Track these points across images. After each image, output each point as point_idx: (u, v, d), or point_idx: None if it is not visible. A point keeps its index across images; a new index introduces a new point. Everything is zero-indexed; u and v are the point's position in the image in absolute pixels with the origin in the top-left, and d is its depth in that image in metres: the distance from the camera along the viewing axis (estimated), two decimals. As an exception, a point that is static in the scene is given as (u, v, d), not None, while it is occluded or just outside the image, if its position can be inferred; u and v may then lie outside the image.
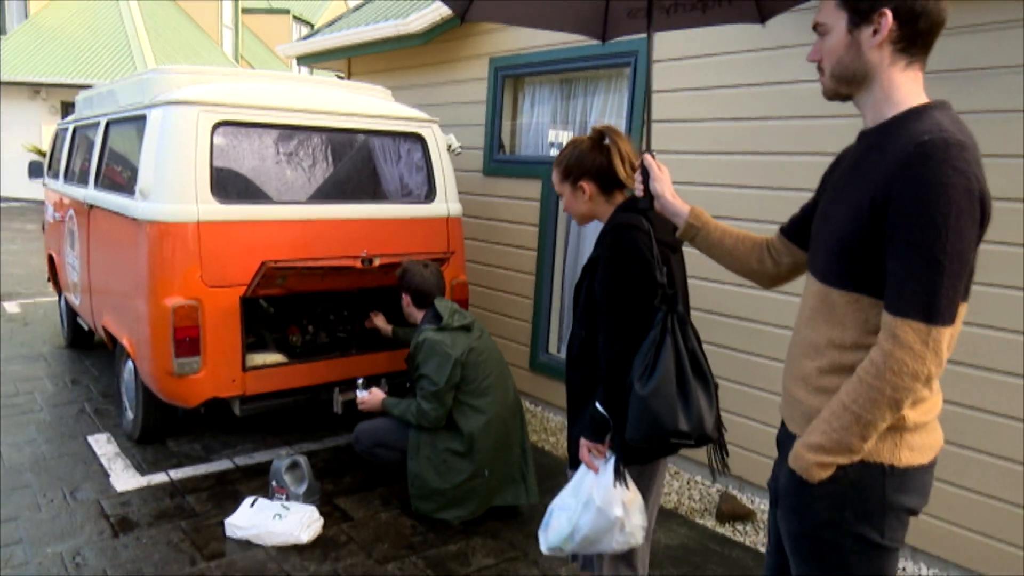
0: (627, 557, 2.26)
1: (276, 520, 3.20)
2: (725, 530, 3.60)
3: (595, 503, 2.04)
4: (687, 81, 4.09)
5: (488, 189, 5.47)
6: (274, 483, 3.46)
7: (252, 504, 3.32)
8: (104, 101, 4.86)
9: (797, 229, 1.79)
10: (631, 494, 2.06)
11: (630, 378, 1.94)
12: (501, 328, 5.33)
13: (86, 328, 5.46)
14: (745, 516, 3.67)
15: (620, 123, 4.61)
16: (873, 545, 1.47)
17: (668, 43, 4.16)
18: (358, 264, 3.69)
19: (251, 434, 4.43)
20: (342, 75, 7.06)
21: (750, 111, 3.82)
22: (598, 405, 2.06)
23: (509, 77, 5.37)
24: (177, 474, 3.85)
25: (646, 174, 1.96)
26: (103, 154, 4.59)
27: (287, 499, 3.41)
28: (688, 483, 4.10)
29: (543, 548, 2.18)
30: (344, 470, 3.99)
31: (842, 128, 3.38)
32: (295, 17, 25.13)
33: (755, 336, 3.79)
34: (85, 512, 3.41)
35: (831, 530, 1.48)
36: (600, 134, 2.20)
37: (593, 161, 2.17)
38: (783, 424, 1.69)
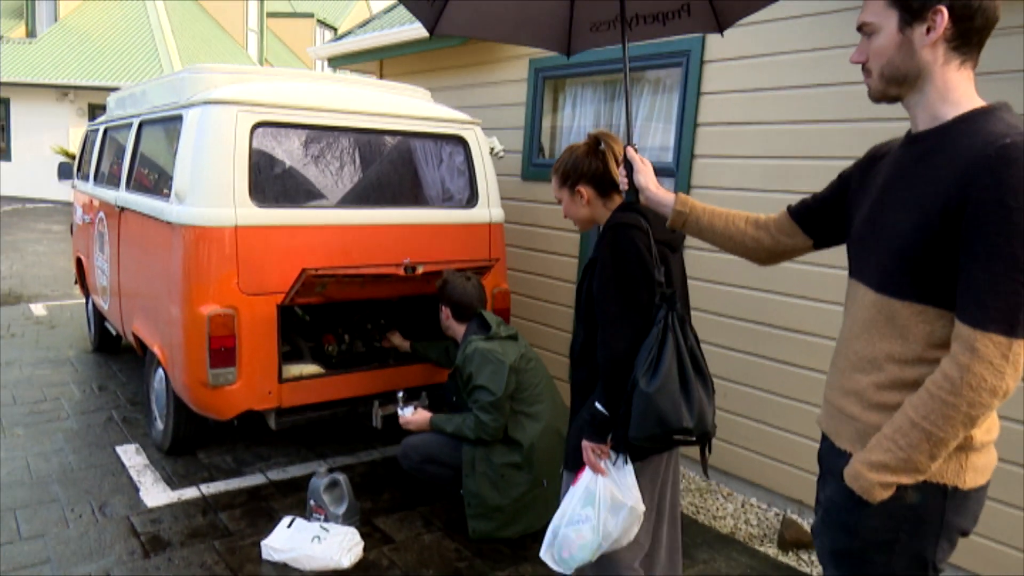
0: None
1: (315, 543, 3.03)
2: (788, 559, 3.38)
3: (626, 504, 2.04)
4: (741, 82, 3.89)
5: (527, 194, 5.29)
6: (312, 502, 3.29)
7: (289, 525, 3.15)
8: (137, 101, 4.74)
9: (808, 216, 1.78)
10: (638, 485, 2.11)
11: (633, 376, 1.96)
12: (541, 339, 5.14)
13: (114, 333, 5.34)
14: (809, 544, 3.45)
15: (669, 127, 4.41)
16: (923, 567, 1.42)
17: (720, 43, 3.96)
18: (400, 272, 3.52)
19: (284, 446, 4.28)
20: (374, 75, 6.92)
21: (807, 113, 3.61)
22: (598, 405, 2.04)
23: (550, 79, 5.19)
24: (209, 489, 3.69)
25: (630, 167, 2.03)
26: (135, 155, 4.47)
27: (326, 520, 3.24)
28: (743, 506, 3.88)
29: (564, 570, 2.13)
30: (382, 487, 3.81)
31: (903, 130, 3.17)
32: (319, 21, 25.16)
33: (817, 352, 3.57)
34: (115, 529, 3.26)
35: (883, 551, 1.43)
36: (595, 140, 2.26)
37: (589, 166, 2.24)
38: (825, 438, 1.61)
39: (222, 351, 3.37)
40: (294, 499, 3.62)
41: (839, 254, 3.61)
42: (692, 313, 3.99)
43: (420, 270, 3.56)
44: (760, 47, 3.80)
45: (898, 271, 1.40)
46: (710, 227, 1.89)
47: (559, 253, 5.07)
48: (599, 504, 2.06)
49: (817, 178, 3.54)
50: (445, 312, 3.58)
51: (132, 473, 3.82)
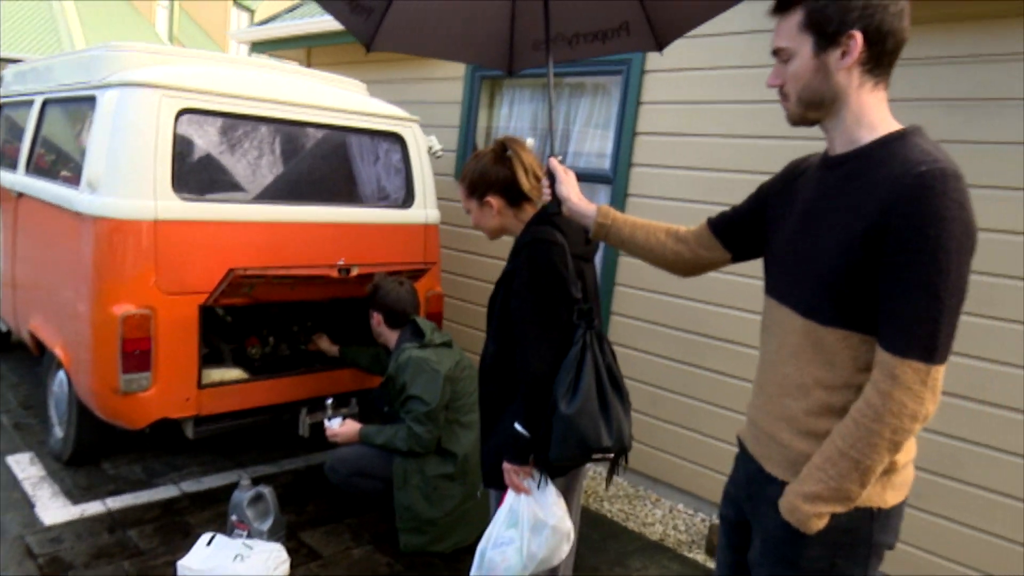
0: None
1: (238, 562, 2.84)
2: (718, 567, 3.43)
3: (548, 523, 2.02)
4: (680, 94, 3.93)
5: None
6: (234, 517, 3.09)
7: (209, 542, 2.94)
8: (40, 77, 4.35)
9: (727, 230, 1.79)
10: (563, 502, 2.09)
11: (553, 397, 1.93)
12: (474, 344, 5.05)
13: (4, 329, 4.90)
14: (737, 552, 3.51)
15: (608, 135, 4.41)
16: None
17: (665, 53, 3.98)
18: (334, 274, 3.36)
19: (199, 455, 4.02)
20: (301, 63, 6.64)
21: (744, 128, 3.68)
22: (518, 426, 2.00)
23: (487, 78, 5.11)
24: (115, 503, 3.42)
25: (552, 178, 1.99)
26: (36, 137, 4.09)
27: (249, 536, 3.04)
28: (671, 512, 3.92)
29: None
30: (307, 498, 3.63)
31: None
32: (235, 2, 24.13)
33: (748, 361, 3.63)
34: (7, 551, 2.96)
35: None
36: (502, 146, 2.18)
37: (497, 175, 2.15)
38: (751, 460, 1.61)
39: (136, 355, 3.12)
40: (212, 513, 3.40)
41: (754, 263, 3.68)
42: (627, 320, 4.02)
43: (355, 272, 3.41)
44: (700, 60, 3.84)
45: (823, 297, 1.41)
46: (631, 239, 1.89)
47: (492, 256, 5.00)
48: (522, 525, 2.03)
49: (752, 191, 3.61)
50: (377, 318, 3.46)
51: (26, 486, 3.49)
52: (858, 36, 1.38)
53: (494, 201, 2.16)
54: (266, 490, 3.11)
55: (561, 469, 2.09)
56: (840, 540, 1.43)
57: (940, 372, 1.30)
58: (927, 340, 1.28)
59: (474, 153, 2.24)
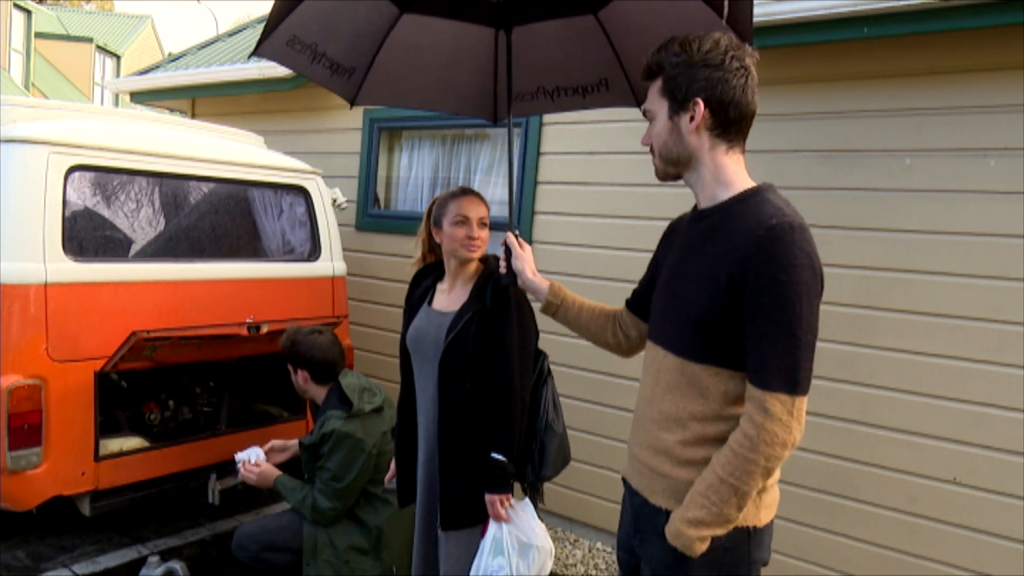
0: None
1: (151, 646, 2.65)
2: (639, 601, 3.52)
3: (533, 544, 2.13)
4: (579, 145, 4.13)
5: (363, 245, 5.16)
6: (142, 598, 2.89)
7: (115, 627, 2.73)
8: None
9: (639, 304, 1.90)
10: (540, 522, 2.23)
11: (542, 419, 2.18)
12: (379, 393, 4.99)
13: None
14: (657, 584, 3.62)
15: (505, 183, 4.54)
16: None
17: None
18: (244, 332, 3.25)
19: (91, 532, 3.71)
20: (183, 113, 6.43)
21: (639, 177, 3.91)
22: (498, 456, 2.13)
23: (385, 129, 5.16)
24: (-1, 594, 3.11)
25: (509, 252, 2.06)
26: None
27: (160, 617, 2.85)
28: (591, 551, 4.00)
29: None
30: (218, 570, 3.44)
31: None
32: (99, 47, 22.97)
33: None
34: None
35: None
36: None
37: None
38: (636, 494, 1.70)
39: (25, 429, 2.89)
40: (112, 595, 3.16)
41: None
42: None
43: (265, 329, 3.32)
44: (595, 114, 4.05)
45: (695, 337, 1.55)
46: (576, 321, 2.00)
47: (397, 306, 4.96)
48: (508, 551, 2.13)
49: (649, 236, 3.83)
50: (302, 375, 3.16)
51: None
52: (701, 103, 1.55)
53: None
54: (177, 565, 2.93)
55: (528, 490, 2.25)
56: (722, 560, 1.54)
57: (803, 402, 1.45)
58: (789, 374, 1.43)
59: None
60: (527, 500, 2.20)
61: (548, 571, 2.19)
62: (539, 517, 2.21)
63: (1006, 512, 2.95)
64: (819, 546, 3.36)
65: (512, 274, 2.06)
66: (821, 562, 3.37)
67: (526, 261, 2.04)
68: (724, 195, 1.58)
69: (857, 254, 3.27)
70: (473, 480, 2.17)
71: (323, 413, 3.02)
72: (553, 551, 2.20)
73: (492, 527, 2.14)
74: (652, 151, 1.68)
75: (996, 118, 2.98)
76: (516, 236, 2.08)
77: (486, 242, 2.33)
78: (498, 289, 2.20)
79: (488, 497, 2.14)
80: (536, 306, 2.16)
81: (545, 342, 4.11)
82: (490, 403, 2.20)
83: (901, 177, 3.17)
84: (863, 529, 3.27)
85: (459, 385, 2.21)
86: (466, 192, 2.35)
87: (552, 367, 4.10)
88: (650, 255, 4.25)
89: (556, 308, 2.00)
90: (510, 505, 2.15)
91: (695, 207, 1.69)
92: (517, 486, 2.27)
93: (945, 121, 3.08)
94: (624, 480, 1.79)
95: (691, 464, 1.55)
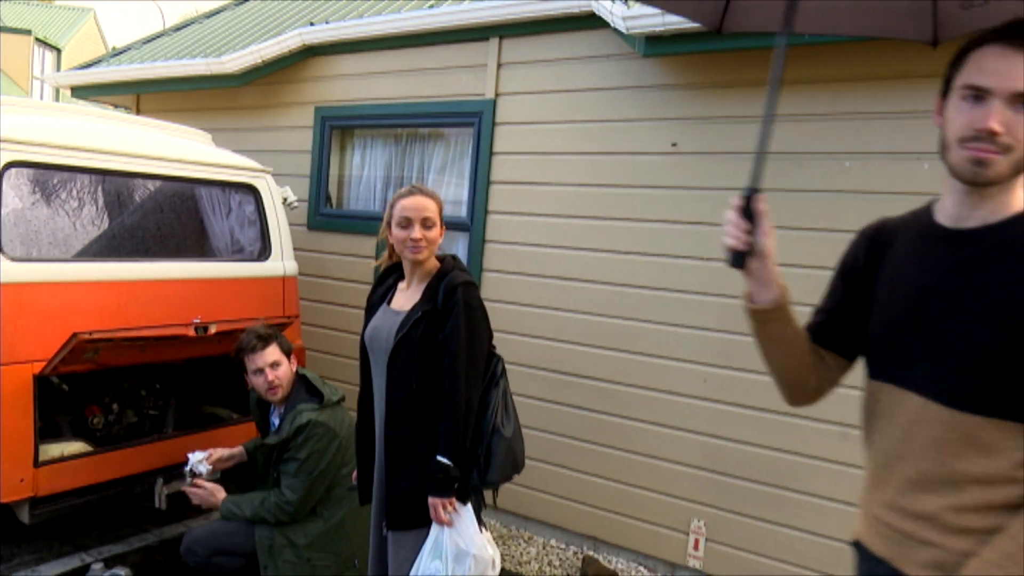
0: None
1: (94, 655, 2.58)
2: (592, 596, 3.57)
3: (470, 552, 2.12)
4: (532, 145, 4.16)
5: (315, 244, 5.10)
6: (85, 606, 2.81)
7: (56, 637, 2.65)
8: None
9: (834, 334, 1.56)
10: (487, 531, 2.23)
11: (488, 422, 2.15)
12: (331, 394, 4.94)
13: None
14: (609, 578, 3.68)
15: (463, 183, 4.56)
16: None
17: (511, 108, 4.22)
18: (191, 332, 3.19)
19: (30, 541, 3.59)
20: (127, 109, 6.26)
21: (592, 178, 3.96)
22: (442, 459, 2.12)
23: (337, 128, 5.11)
24: (-69, 607, 2.99)
25: (751, 218, 1.48)
26: None
27: (104, 625, 2.78)
28: (544, 548, 4.03)
29: None
30: (164, 576, 3.37)
31: (683, 198, 3.63)
32: (38, 40, 22.18)
33: (611, 396, 3.87)
34: None
35: None
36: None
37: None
38: (880, 562, 1.42)
39: (-42, 435, 2.79)
40: (52, 605, 3.06)
41: (610, 303, 3.87)
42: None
43: (213, 329, 3.26)
44: (548, 115, 4.10)
45: (977, 385, 1.28)
46: (790, 341, 1.55)
47: (350, 305, 4.94)
48: (446, 555, 2.13)
49: (600, 237, 3.90)
50: (285, 367, 3.11)
51: None
52: None
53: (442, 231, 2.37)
54: (122, 572, 2.86)
55: (464, 495, 2.22)
56: None
57: None
58: None
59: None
60: (470, 506, 2.19)
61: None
62: (482, 523, 2.21)
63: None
64: (766, 537, 3.45)
65: (742, 254, 1.47)
66: (768, 552, 3.46)
67: (772, 240, 1.47)
68: (1008, 211, 1.31)
69: (801, 254, 3.36)
70: (419, 482, 2.17)
71: (292, 408, 2.98)
72: (496, 562, 2.18)
73: (434, 530, 2.15)
74: (999, 145, 1.27)
75: (930, 123, 3.10)
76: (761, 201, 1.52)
77: (433, 242, 2.30)
78: (449, 289, 2.19)
79: (431, 500, 2.14)
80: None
81: (499, 339, 4.16)
82: (437, 405, 2.19)
83: (840, 178, 3.28)
84: (807, 520, 3.36)
85: (406, 386, 2.20)
86: (412, 192, 2.33)
87: (508, 366, 4.17)
88: (608, 254, 4.29)
89: (778, 315, 1.51)
90: (453, 509, 2.14)
91: (936, 224, 1.42)
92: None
93: (883, 126, 3.20)
94: (859, 544, 1.50)
95: (969, 532, 1.28)
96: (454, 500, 2.15)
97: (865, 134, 3.23)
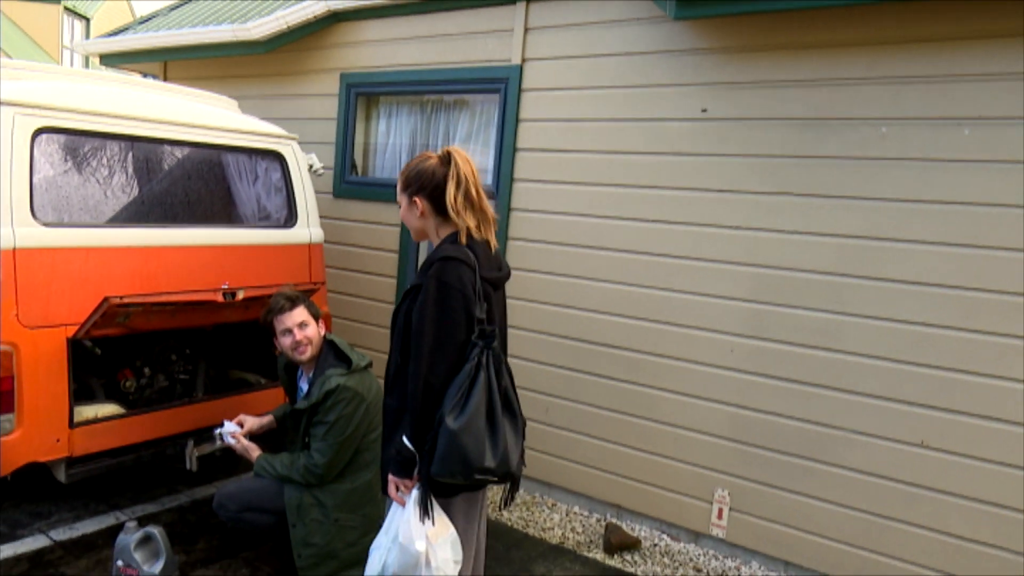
0: None
1: (129, 609, 2.66)
2: (615, 561, 3.59)
3: (398, 540, 2.05)
4: (559, 112, 4.10)
5: (340, 212, 5.11)
6: (120, 563, 2.88)
7: (93, 592, 2.73)
8: None
9: None
10: (439, 528, 2.06)
11: (441, 412, 1.96)
12: (357, 361, 4.98)
13: None
14: (632, 545, 3.69)
15: (488, 151, 4.52)
16: None
17: (538, 74, 4.16)
18: (219, 298, 3.22)
19: (67, 499, 3.70)
20: (156, 77, 6.28)
21: (619, 145, 3.90)
22: (405, 440, 2.05)
23: (363, 95, 5.08)
24: (-26, 560, 3.10)
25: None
26: None
27: (138, 581, 2.85)
28: (568, 515, 4.05)
29: None
30: (196, 535, 3.44)
31: (713, 165, 3.57)
32: (67, 9, 22.27)
33: (636, 366, 3.85)
34: None
35: None
36: (447, 154, 2.16)
37: (431, 180, 2.14)
38: None
39: (-4, 395, 2.86)
40: (90, 561, 3.15)
41: (636, 272, 3.81)
42: (518, 332, 4.04)
43: (240, 295, 3.28)
44: (575, 81, 4.03)
45: None
46: None
47: (375, 273, 4.96)
48: (390, 535, 2.11)
49: (627, 205, 3.85)
50: (314, 328, 3.11)
51: None
52: None
53: (420, 203, 2.16)
54: (155, 530, 2.92)
55: (449, 489, 2.09)
56: None
57: None
58: None
59: (422, 153, 2.23)
60: (414, 494, 2.07)
61: (412, 574, 2.06)
62: (428, 515, 2.04)
63: (973, 475, 3.03)
64: (790, 508, 3.44)
65: None
66: (790, 523, 3.45)
67: None
68: None
69: (833, 222, 3.29)
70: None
71: (321, 373, 3.01)
72: (426, 561, 2.04)
73: (393, 506, 2.14)
74: None
75: (971, 87, 3.00)
76: None
77: (402, 218, 2.25)
78: (427, 264, 2.08)
79: (388, 477, 2.13)
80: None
81: (524, 308, 4.16)
82: None
83: (877, 146, 3.19)
84: (833, 491, 3.34)
85: (393, 356, 2.18)
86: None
87: (530, 334, 4.17)
88: (635, 223, 4.27)
89: None
90: (406, 491, 2.10)
91: None
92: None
93: (922, 90, 3.10)
94: None
95: None
96: (411, 483, 2.09)
97: (903, 99, 3.13)
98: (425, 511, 2.04)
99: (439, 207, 2.15)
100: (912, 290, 3.13)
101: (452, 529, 2.11)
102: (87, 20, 23.07)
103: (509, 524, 3.90)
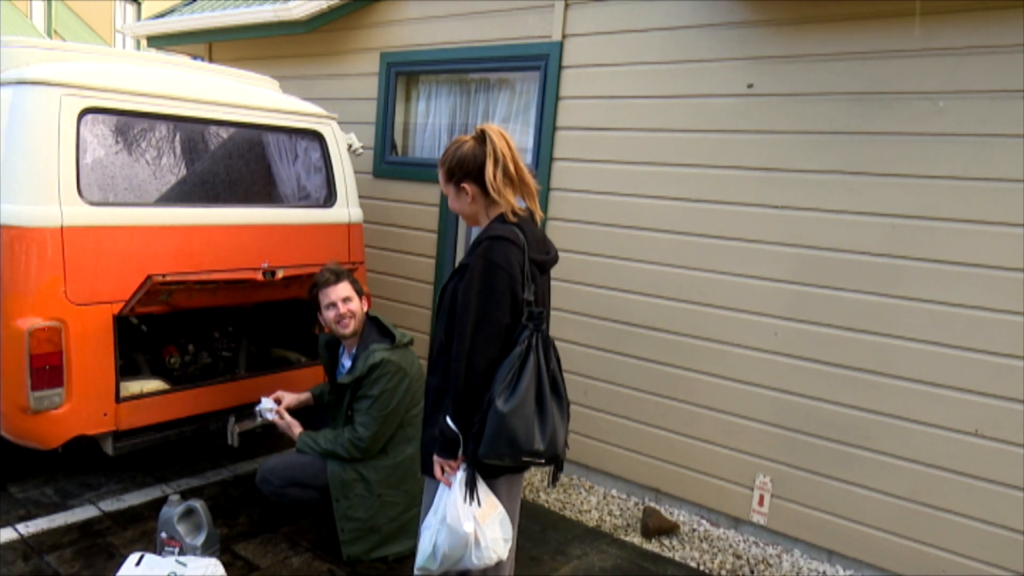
0: (496, 571, 2.22)
1: (172, 580, 2.72)
2: (653, 546, 3.55)
3: (446, 522, 2.05)
4: (600, 89, 4.02)
5: (380, 192, 5.12)
6: (164, 534, 2.95)
7: (138, 562, 2.80)
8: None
9: None
10: (486, 507, 2.07)
11: (490, 393, 1.95)
12: (396, 341, 5.01)
13: None
14: (670, 530, 3.65)
15: (527, 130, 4.46)
16: None
17: (579, 50, 4.08)
18: (259, 277, 3.26)
19: (116, 472, 3.81)
20: (202, 59, 6.37)
21: (661, 122, 3.80)
22: (449, 421, 2.03)
23: (403, 74, 5.06)
24: (28, 528, 3.20)
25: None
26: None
27: (181, 553, 2.92)
28: (605, 498, 4.02)
29: (415, 569, 2.18)
30: (238, 509, 3.51)
31: (758, 143, 3.45)
32: (119, -7, 22.76)
33: (676, 348, 3.78)
34: (-91, 588, 2.74)
35: None
36: (481, 134, 2.13)
37: (474, 163, 2.11)
38: None
39: (46, 370, 2.94)
40: (136, 532, 3.24)
41: (678, 253, 3.73)
42: (557, 313, 4.00)
43: (280, 274, 3.31)
44: (616, 57, 3.94)
45: None
46: None
47: (415, 253, 4.97)
48: (438, 515, 2.10)
49: (669, 184, 3.76)
50: (360, 302, 3.19)
51: (-76, 517, 3.23)
52: None
53: (469, 188, 2.14)
54: (197, 504, 2.99)
55: (494, 470, 2.08)
56: None
57: None
58: None
59: (456, 139, 2.19)
60: (459, 475, 2.06)
61: (473, 562, 2.06)
62: (473, 497, 2.04)
63: (1028, 465, 2.91)
64: (835, 496, 3.35)
65: None
66: (835, 511, 3.36)
67: None
68: None
69: (885, 202, 3.17)
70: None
71: (364, 348, 3.05)
72: (475, 541, 2.04)
73: (441, 487, 2.12)
74: None
75: (1037, 57, 2.83)
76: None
77: (453, 208, 2.22)
78: (476, 242, 2.06)
79: (434, 457, 2.11)
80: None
81: (559, 288, 4.12)
82: None
83: (933, 121, 3.04)
84: (880, 480, 3.24)
85: (438, 336, 2.16)
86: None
87: (569, 315, 4.13)
88: (677, 202, 4.18)
89: None
90: (451, 472, 2.08)
91: None
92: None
93: (982, 62, 2.94)
94: None
95: None
96: (455, 464, 2.07)
97: (962, 71, 2.98)
98: (472, 493, 2.05)
99: (486, 189, 2.12)
100: (968, 272, 2.99)
101: (500, 508, 2.11)
102: (138, 3, 23.54)
103: (546, 506, 3.89)
